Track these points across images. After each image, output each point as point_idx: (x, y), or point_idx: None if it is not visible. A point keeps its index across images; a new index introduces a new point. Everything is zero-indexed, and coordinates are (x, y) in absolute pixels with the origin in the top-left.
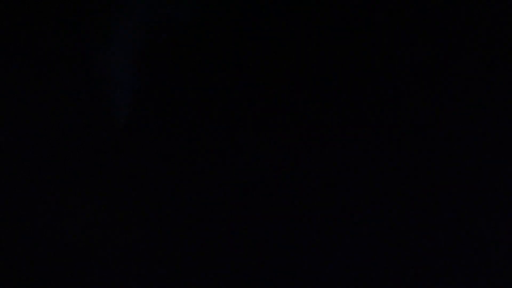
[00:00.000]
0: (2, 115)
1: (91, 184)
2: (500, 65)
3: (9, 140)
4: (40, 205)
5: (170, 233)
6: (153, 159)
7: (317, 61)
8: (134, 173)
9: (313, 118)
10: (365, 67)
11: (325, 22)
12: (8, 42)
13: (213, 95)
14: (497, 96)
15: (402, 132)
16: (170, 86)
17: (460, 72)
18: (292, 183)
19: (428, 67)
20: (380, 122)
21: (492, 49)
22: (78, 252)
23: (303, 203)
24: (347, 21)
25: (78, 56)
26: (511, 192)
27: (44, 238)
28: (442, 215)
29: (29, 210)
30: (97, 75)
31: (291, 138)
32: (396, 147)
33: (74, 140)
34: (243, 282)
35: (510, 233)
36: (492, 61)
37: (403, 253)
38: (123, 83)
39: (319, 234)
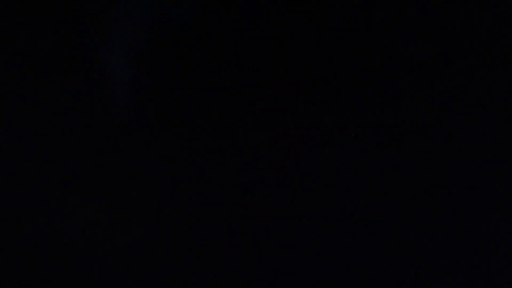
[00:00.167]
0: (2, 115)
1: (91, 184)
2: (500, 65)
3: (9, 140)
4: (40, 205)
5: (170, 233)
6: (153, 159)
7: (317, 61)
8: (134, 173)
9: (313, 118)
10: (365, 67)
11: (325, 22)
12: (8, 42)
13: (213, 94)
14: (497, 96)
15: (402, 132)
16: (170, 85)
17: (460, 72)
18: (292, 183)
19: (428, 67)
20: (380, 122)
21: (492, 49)
22: (78, 252)
23: (304, 203)
24: (347, 21)
25: (78, 56)
26: (511, 192)
27: (44, 238)
28: (442, 215)
29: (29, 210)
30: (97, 74)
31: (291, 138)
32: (396, 147)
33: (74, 140)
34: (243, 282)
35: (510, 233)
36: (492, 61)
37: (403, 253)
38: (123, 83)
39: (320, 234)
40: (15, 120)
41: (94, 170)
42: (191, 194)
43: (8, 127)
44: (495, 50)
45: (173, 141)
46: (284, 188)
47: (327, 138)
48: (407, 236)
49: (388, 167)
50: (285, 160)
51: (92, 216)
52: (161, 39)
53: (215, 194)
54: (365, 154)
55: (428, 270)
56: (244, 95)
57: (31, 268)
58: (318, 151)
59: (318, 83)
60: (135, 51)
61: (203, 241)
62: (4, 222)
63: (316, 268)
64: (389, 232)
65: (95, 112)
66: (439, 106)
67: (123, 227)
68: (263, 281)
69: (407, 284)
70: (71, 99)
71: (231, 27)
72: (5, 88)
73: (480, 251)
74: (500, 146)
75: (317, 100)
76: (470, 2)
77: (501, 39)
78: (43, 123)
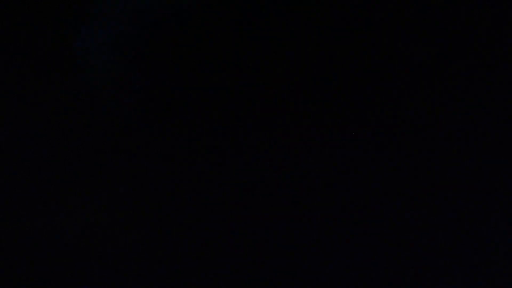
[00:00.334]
0: (2, 115)
1: (91, 184)
2: (500, 65)
3: (9, 140)
4: (40, 205)
5: (170, 233)
6: (153, 159)
7: (317, 61)
8: (134, 173)
9: (313, 118)
10: (365, 67)
11: (325, 22)
12: (8, 42)
13: (213, 94)
14: (497, 96)
15: (402, 132)
16: (170, 85)
17: (460, 72)
18: (292, 183)
19: (428, 67)
20: (380, 122)
21: (492, 49)
22: (78, 252)
23: (304, 203)
24: (347, 21)
25: (78, 56)
26: (511, 192)
27: (44, 238)
28: (442, 215)
29: (29, 210)
30: (96, 74)
31: (291, 138)
32: (396, 147)
33: (74, 140)
34: (243, 282)
35: (510, 233)
36: (492, 61)
37: (403, 253)
38: (123, 83)
39: (320, 234)
40: (15, 120)
41: (94, 170)
42: (191, 194)
43: (8, 127)
44: (495, 50)
45: (173, 141)
46: (284, 188)
47: (327, 138)
48: (407, 236)
49: (388, 167)
50: (285, 160)
51: (92, 216)
52: (160, 38)
53: (215, 194)
54: (365, 154)
55: (428, 270)
56: (244, 95)
57: (31, 268)
58: (318, 150)
59: (318, 83)
60: (135, 51)
61: (203, 241)
62: (4, 222)
63: (316, 268)
64: (389, 232)
65: (95, 112)
66: (439, 106)
67: (123, 227)
68: (263, 281)
69: (407, 284)
70: (71, 99)
71: (231, 27)
72: (5, 88)
73: (480, 251)
74: (500, 146)
75: (317, 100)
76: (470, 2)
77: (501, 39)
78: (43, 123)
